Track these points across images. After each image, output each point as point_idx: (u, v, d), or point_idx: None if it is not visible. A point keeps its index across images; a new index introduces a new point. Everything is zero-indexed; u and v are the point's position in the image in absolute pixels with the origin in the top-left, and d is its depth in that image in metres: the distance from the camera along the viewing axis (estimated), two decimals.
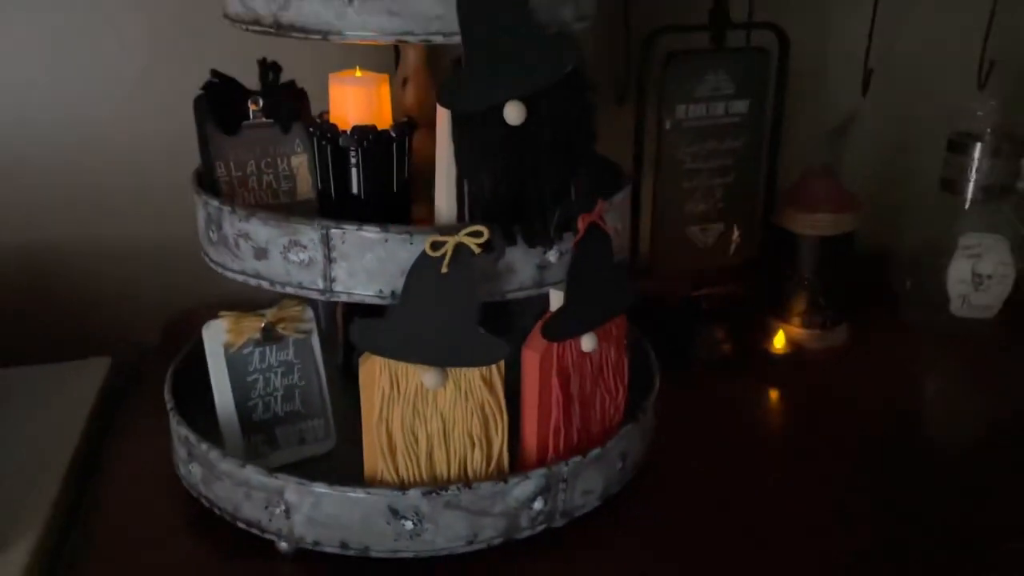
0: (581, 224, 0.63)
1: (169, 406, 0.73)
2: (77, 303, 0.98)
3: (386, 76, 0.68)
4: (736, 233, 1.01)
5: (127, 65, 0.93)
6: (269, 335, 0.73)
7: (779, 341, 0.98)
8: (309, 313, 0.75)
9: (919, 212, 1.07)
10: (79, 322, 0.98)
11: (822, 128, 1.00)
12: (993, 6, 1.07)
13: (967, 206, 1.01)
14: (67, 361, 0.93)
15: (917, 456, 0.81)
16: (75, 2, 0.89)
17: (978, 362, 0.98)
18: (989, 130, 0.99)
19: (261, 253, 0.64)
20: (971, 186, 1.00)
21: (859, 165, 1.10)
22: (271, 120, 0.72)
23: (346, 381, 0.80)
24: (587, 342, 0.67)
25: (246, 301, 0.76)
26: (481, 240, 0.59)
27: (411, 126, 0.66)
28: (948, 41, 1.12)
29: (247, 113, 0.71)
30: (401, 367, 0.62)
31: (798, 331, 0.99)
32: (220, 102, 0.71)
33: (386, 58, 0.86)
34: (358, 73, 0.66)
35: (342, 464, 0.70)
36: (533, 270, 0.64)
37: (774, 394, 0.93)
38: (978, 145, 0.99)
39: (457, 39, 0.59)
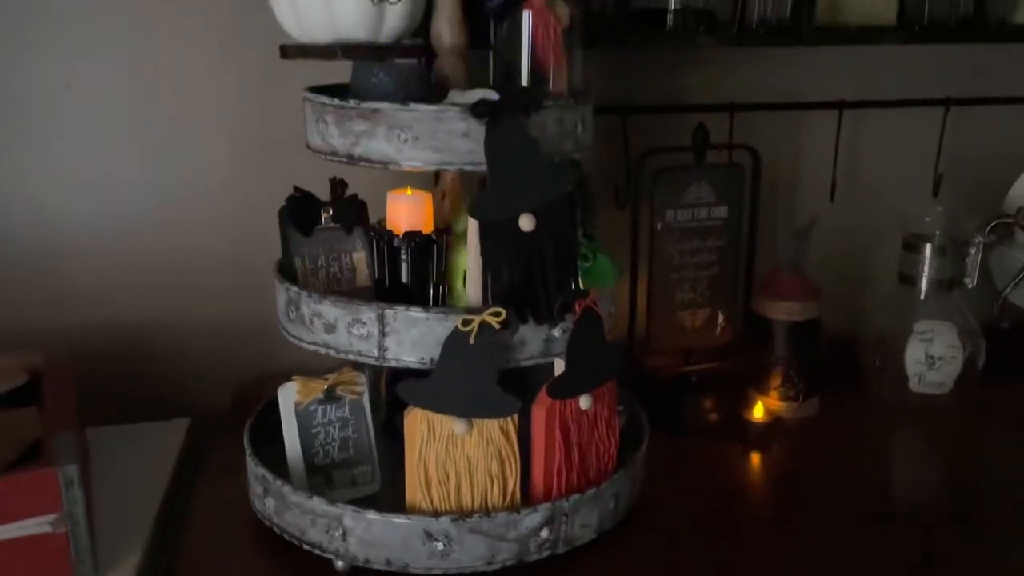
0: (578, 308, 0.81)
1: (248, 452, 0.90)
2: (161, 371, 1.17)
3: (429, 194, 0.87)
4: (720, 318, 1.19)
5: (212, 172, 1.13)
6: (330, 395, 0.91)
7: (758, 411, 1.13)
8: (362, 378, 0.92)
9: (882, 301, 1.24)
10: (163, 388, 1.16)
11: (793, 229, 1.18)
12: (942, 127, 1.26)
13: (922, 297, 1.17)
14: (152, 422, 1.10)
15: (879, 516, 0.93)
16: (174, 119, 1.10)
17: (933, 432, 1.13)
18: (938, 232, 1.16)
19: (330, 328, 0.83)
20: (924, 280, 1.16)
21: (829, 260, 1.27)
22: (338, 224, 0.91)
23: (387, 435, 0.97)
24: (584, 401, 0.84)
25: (295, 370, 0.93)
26: (500, 319, 0.77)
27: (447, 232, 0.86)
28: (905, 154, 1.30)
29: (320, 219, 0.91)
30: (437, 417, 0.80)
31: (775, 403, 1.14)
32: (300, 210, 0.90)
33: (427, 179, 1.06)
34: (409, 192, 0.86)
35: (385, 502, 0.86)
36: (541, 343, 0.82)
37: (755, 457, 1.08)
38: (928, 246, 1.15)
39: (483, 167, 0.79)
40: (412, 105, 0.77)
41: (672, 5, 1.08)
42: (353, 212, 0.91)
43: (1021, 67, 1.29)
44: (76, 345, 1.11)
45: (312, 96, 0.83)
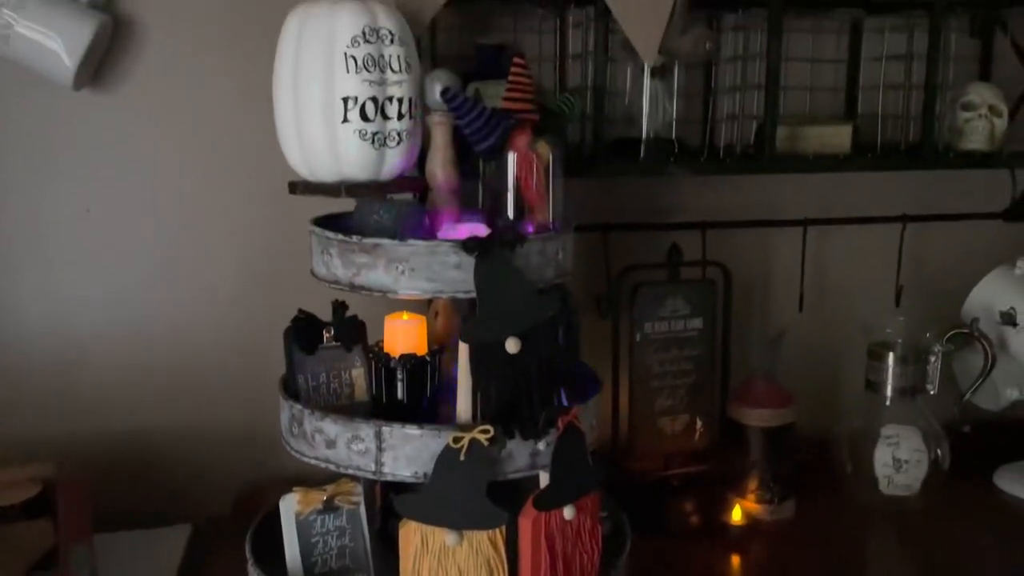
0: (561, 424, 0.88)
1: (250, 560, 0.95)
2: (167, 478, 1.22)
3: (424, 318, 0.95)
4: (699, 423, 1.25)
5: (221, 290, 1.21)
6: (329, 506, 0.96)
7: (736, 514, 1.19)
8: (359, 488, 0.98)
9: (851, 406, 1.30)
10: (168, 494, 1.21)
11: (765, 339, 1.26)
12: (901, 241, 1.36)
13: (887, 402, 1.24)
14: (156, 528, 1.15)
15: None
16: (186, 241, 1.19)
17: (904, 534, 1.18)
18: (900, 341, 1.24)
19: (331, 444, 0.89)
20: (889, 387, 1.24)
21: (801, 367, 1.34)
22: (339, 343, 0.98)
23: (382, 542, 1.02)
24: (568, 512, 0.89)
25: (295, 478, 0.98)
26: (489, 435, 0.84)
27: (440, 352, 0.93)
28: (867, 267, 1.39)
29: (322, 338, 0.98)
30: (430, 529, 0.85)
31: (752, 506, 1.20)
32: (303, 330, 0.98)
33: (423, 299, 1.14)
34: (405, 317, 0.94)
35: None
36: (527, 457, 0.88)
37: (734, 559, 1.13)
38: (891, 355, 1.23)
39: (473, 294, 0.86)
40: (409, 241, 0.86)
41: (645, 136, 1.19)
42: (353, 332, 0.99)
43: (970, 185, 1.39)
44: (86, 453, 1.16)
45: (318, 230, 0.92)
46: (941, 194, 1.40)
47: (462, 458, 0.83)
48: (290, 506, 0.95)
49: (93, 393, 1.19)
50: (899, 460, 1.21)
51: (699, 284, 1.25)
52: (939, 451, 1.22)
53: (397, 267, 0.86)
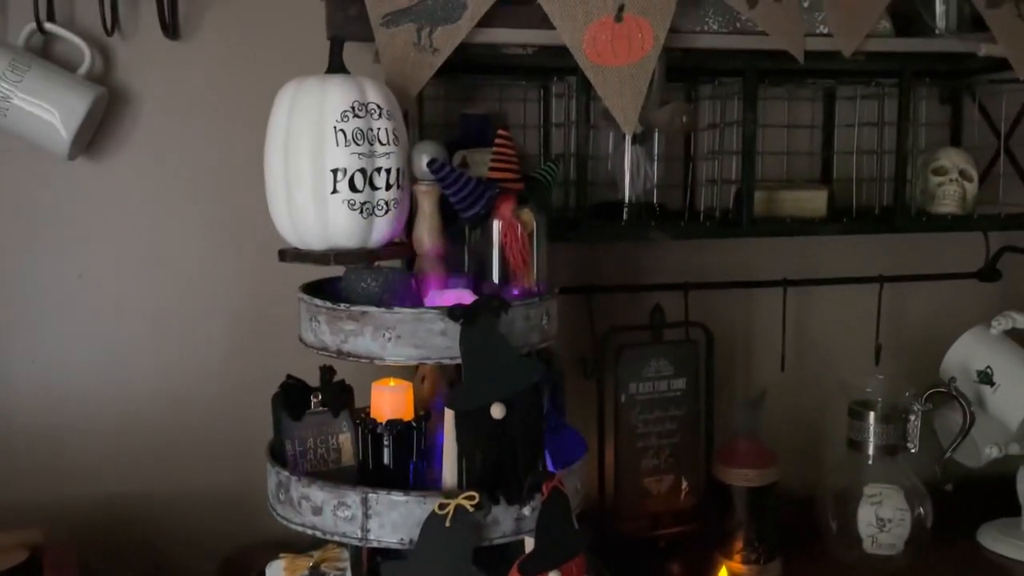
0: (546, 488, 0.89)
1: None
2: (154, 542, 1.21)
3: (410, 384, 0.96)
4: (684, 483, 1.26)
5: (209, 355, 1.22)
6: (315, 572, 0.96)
7: (723, 574, 1.19)
8: (345, 554, 0.98)
9: (834, 465, 1.32)
10: (155, 558, 1.20)
11: (746, 399, 1.28)
12: (879, 301, 1.39)
13: (869, 461, 1.25)
14: None
15: None
16: (176, 307, 1.20)
17: None
18: (880, 401, 1.26)
19: (317, 510, 0.89)
20: (870, 445, 1.25)
21: (784, 426, 1.36)
22: (326, 408, 1.00)
23: None
24: None
25: (282, 541, 0.99)
26: (474, 502, 0.85)
27: (427, 417, 0.94)
28: (847, 327, 1.42)
29: (309, 403, 0.99)
30: None
31: (739, 566, 1.20)
32: (291, 396, 0.99)
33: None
34: (391, 383, 0.95)
35: None
36: (512, 522, 0.89)
37: None
38: (871, 414, 1.25)
39: (459, 360, 0.88)
40: (396, 309, 0.88)
41: (627, 200, 1.22)
42: (340, 397, 1.00)
43: (944, 246, 1.43)
44: (73, 518, 1.16)
45: (307, 298, 0.93)
46: (917, 255, 1.43)
47: (448, 524, 0.84)
48: (276, 573, 0.95)
49: (81, 458, 1.19)
50: (882, 519, 1.22)
51: (682, 345, 1.27)
52: (922, 509, 1.23)
53: (384, 334, 0.88)
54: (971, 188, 1.29)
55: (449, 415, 0.88)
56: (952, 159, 1.30)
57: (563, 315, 1.05)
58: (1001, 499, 1.35)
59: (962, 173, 1.29)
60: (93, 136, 1.15)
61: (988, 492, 1.36)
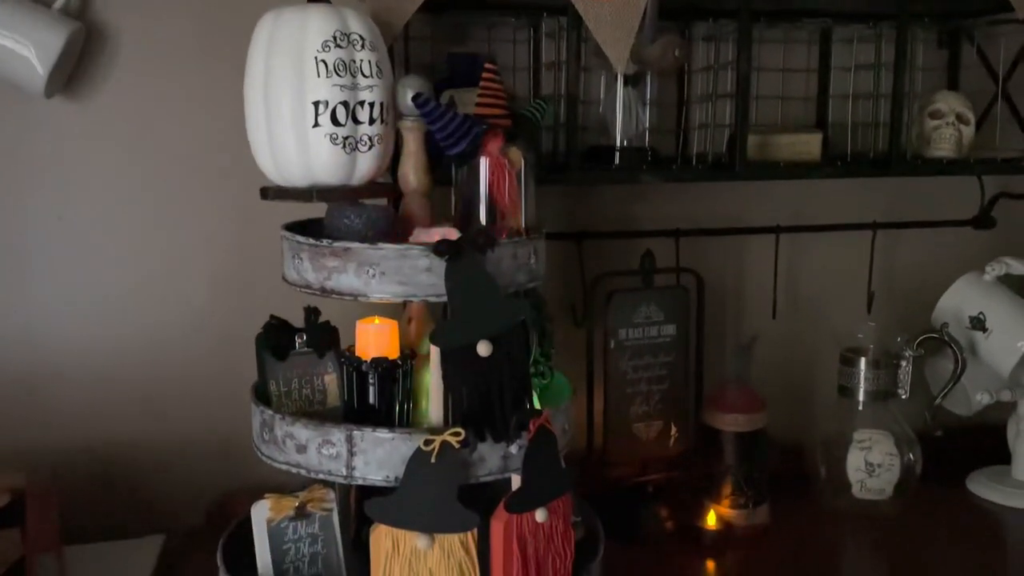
0: (533, 426, 0.88)
1: (221, 568, 0.94)
2: (138, 489, 1.21)
3: (395, 322, 0.95)
4: (673, 429, 1.26)
5: (193, 300, 1.21)
6: (301, 512, 0.95)
7: (711, 519, 1.19)
8: (331, 495, 0.97)
9: (824, 411, 1.31)
10: (139, 505, 1.20)
11: (738, 344, 1.27)
12: (871, 248, 1.37)
13: (860, 407, 1.25)
14: (127, 539, 1.14)
15: None
16: (158, 249, 1.18)
17: (876, 537, 1.19)
18: (871, 347, 1.25)
19: (301, 449, 0.88)
20: (861, 392, 1.25)
21: (774, 374, 1.35)
22: (311, 349, 0.98)
23: (356, 550, 1.01)
24: (540, 514, 0.89)
25: (268, 486, 0.97)
26: (460, 438, 0.84)
27: (412, 356, 0.93)
28: (839, 274, 1.41)
29: (294, 344, 0.98)
30: (401, 533, 0.85)
31: (727, 511, 1.20)
32: (275, 336, 0.97)
33: (396, 303, 1.14)
34: (376, 321, 0.93)
35: None
36: (499, 460, 0.88)
37: (708, 564, 1.13)
38: (862, 360, 1.24)
39: (445, 298, 0.87)
40: (380, 244, 0.86)
41: (619, 144, 1.20)
42: (325, 337, 0.98)
43: (938, 192, 1.42)
44: (57, 464, 1.15)
45: (288, 235, 0.92)
46: (911, 202, 1.42)
47: (433, 461, 0.83)
48: (261, 513, 0.94)
49: (64, 403, 1.18)
50: (871, 464, 1.22)
51: (672, 291, 1.26)
52: (911, 455, 1.23)
53: (368, 271, 0.86)
54: (967, 132, 1.27)
55: (435, 352, 0.87)
56: (949, 102, 1.28)
57: (552, 261, 1.03)
58: (991, 447, 1.35)
59: (959, 117, 1.27)
60: (71, 74, 1.13)
61: (977, 440, 1.36)
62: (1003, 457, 1.33)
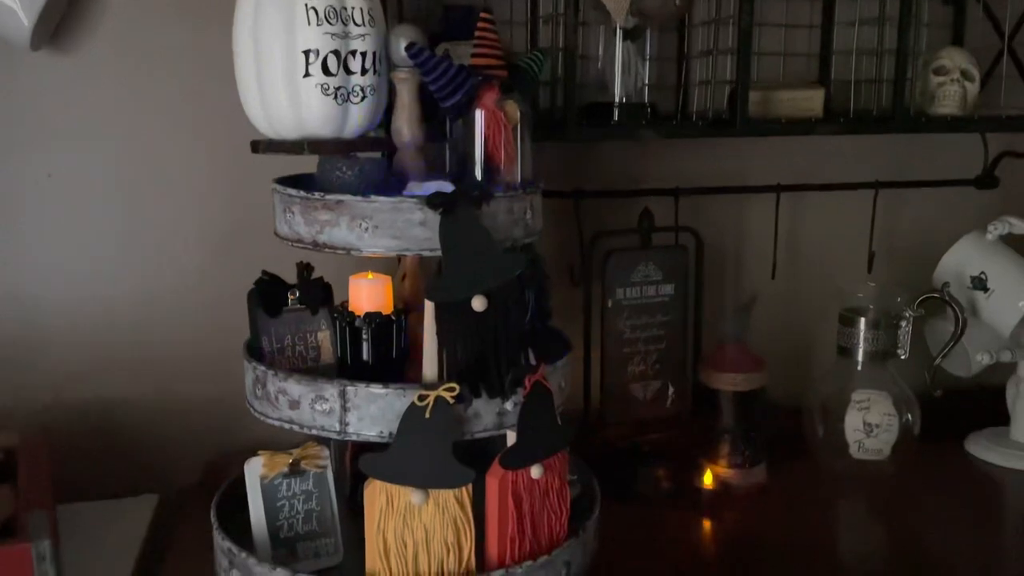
0: (528, 383, 0.87)
1: (214, 525, 0.93)
2: (132, 448, 1.20)
3: (389, 278, 0.94)
4: (671, 389, 1.25)
5: (185, 257, 1.19)
6: (295, 469, 0.95)
7: (708, 479, 1.18)
8: (326, 452, 0.97)
9: (823, 372, 1.30)
10: (133, 464, 1.19)
11: (736, 304, 1.26)
12: (873, 208, 1.36)
13: (859, 368, 1.24)
14: (122, 498, 1.13)
15: (821, 569, 0.99)
16: (150, 206, 1.17)
17: (873, 497, 1.18)
18: (871, 307, 1.24)
19: (295, 404, 0.87)
20: (860, 352, 1.24)
21: (773, 334, 1.34)
22: (304, 306, 0.97)
23: (352, 509, 1.01)
24: (535, 471, 0.88)
25: (263, 446, 0.97)
26: (454, 394, 0.83)
27: (406, 312, 0.92)
28: (840, 234, 1.39)
29: (287, 300, 0.97)
30: (395, 488, 0.84)
31: (723, 470, 1.20)
32: (267, 293, 0.96)
33: (389, 259, 1.12)
34: (370, 276, 0.92)
35: (347, 574, 0.90)
36: (494, 416, 0.87)
37: (705, 522, 1.13)
38: (862, 320, 1.23)
39: (439, 252, 0.85)
40: (372, 197, 0.84)
41: (618, 100, 1.17)
42: (319, 294, 0.97)
43: (941, 152, 1.40)
44: (50, 423, 1.14)
45: (280, 188, 0.90)
46: (914, 161, 1.40)
47: (427, 416, 0.82)
48: (255, 469, 0.93)
49: (55, 362, 1.17)
50: (870, 424, 1.21)
51: (671, 250, 1.24)
52: (910, 416, 1.22)
53: (361, 224, 0.85)
54: (972, 89, 1.25)
55: (429, 307, 0.86)
56: (954, 59, 1.25)
57: (550, 221, 1.01)
58: (991, 408, 1.35)
59: (964, 73, 1.25)
60: (58, 26, 1.10)
61: (978, 401, 1.35)
62: (1002, 419, 1.33)
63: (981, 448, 1.30)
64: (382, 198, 0.84)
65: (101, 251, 1.17)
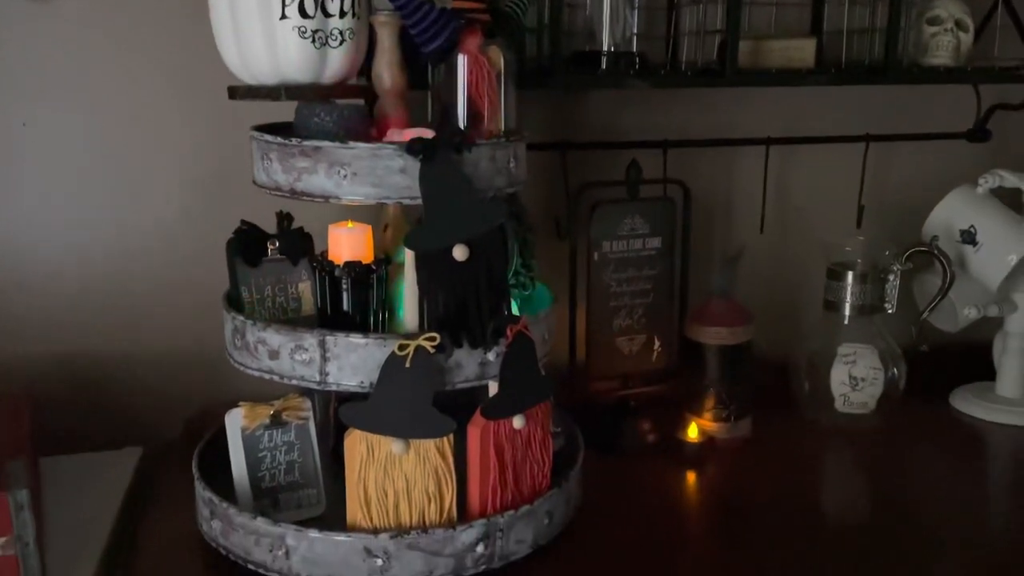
0: (510, 332, 0.86)
1: (196, 476, 0.93)
2: (115, 401, 1.19)
3: (369, 227, 0.92)
4: (657, 343, 1.24)
5: (164, 208, 1.17)
6: (276, 420, 0.94)
7: (693, 432, 1.18)
8: (308, 403, 0.96)
9: (810, 327, 1.30)
10: (116, 418, 1.18)
11: (724, 257, 1.24)
12: (863, 161, 1.34)
13: (845, 322, 1.23)
14: (105, 451, 1.13)
15: (808, 529, 0.99)
16: (128, 154, 1.14)
17: (858, 451, 1.19)
18: (859, 261, 1.23)
19: (274, 354, 0.86)
20: (847, 306, 1.23)
21: (761, 289, 1.33)
22: (284, 256, 0.96)
23: (336, 462, 1.00)
24: (517, 421, 0.88)
25: (246, 399, 0.96)
26: (435, 343, 0.82)
27: (387, 261, 0.90)
28: (829, 187, 1.38)
29: (266, 250, 0.95)
30: (375, 438, 0.84)
31: (708, 424, 1.19)
32: (246, 242, 0.95)
33: (370, 207, 1.10)
34: (350, 225, 0.91)
35: (330, 524, 0.89)
36: (475, 366, 0.87)
37: (688, 476, 1.13)
38: (849, 274, 1.22)
39: (419, 201, 0.84)
40: (351, 143, 0.82)
41: (605, 48, 1.15)
42: (299, 244, 0.96)
43: (933, 104, 1.38)
44: (31, 376, 1.13)
45: (257, 135, 0.88)
46: (905, 114, 1.38)
47: (408, 366, 0.81)
48: (236, 420, 0.93)
49: (37, 314, 1.15)
50: (855, 378, 1.21)
51: (659, 202, 1.23)
52: (895, 370, 1.22)
53: (339, 171, 0.83)
54: (966, 39, 1.23)
55: (410, 256, 0.85)
56: (948, 8, 1.23)
57: (535, 172, 1.00)
58: (976, 364, 1.35)
59: (958, 23, 1.23)
60: None
61: (963, 357, 1.35)
62: (986, 375, 1.33)
63: (966, 403, 1.30)
64: (361, 144, 0.82)
65: (78, 201, 1.15)
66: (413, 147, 0.81)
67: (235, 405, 0.95)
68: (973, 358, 1.35)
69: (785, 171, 1.36)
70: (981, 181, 1.25)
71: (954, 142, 1.38)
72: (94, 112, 1.13)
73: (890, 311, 1.23)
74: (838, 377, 1.21)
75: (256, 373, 0.89)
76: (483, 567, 0.86)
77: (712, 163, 1.33)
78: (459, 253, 0.84)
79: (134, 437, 1.15)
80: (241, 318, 0.89)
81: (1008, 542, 0.97)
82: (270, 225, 0.98)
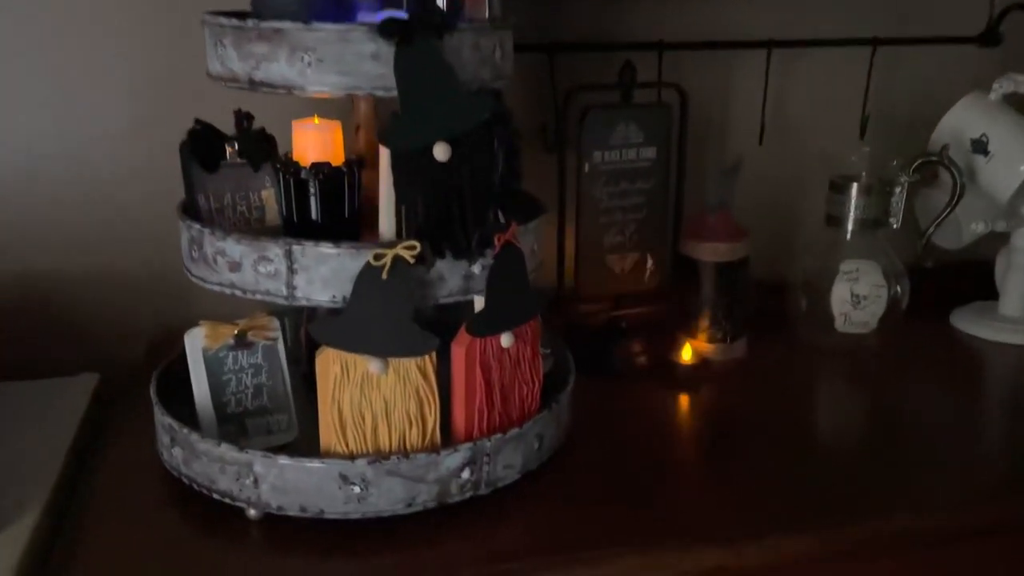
0: (497, 242, 0.78)
1: (154, 400, 0.85)
2: (70, 325, 1.11)
3: (339, 123, 0.83)
4: (649, 261, 1.17)
5: (115, 113, 1.07)
6: (241, 341, 0.86)
7: (686, 353, 1.12)
8: (275, 323, 0.88)
9: (809, 244, 1.23)
10: (72, 342, 1.10)
11: (720, 168, 1.17)
12: (869, 67, 1.26)
13: (848, 237, 1.17)
14: (59, 377, 1.05)
15: (805, 450, 0.94)
16: (71, 57, 1.03)
17: (858, 371, 1.13)
18: (863, 173, 1.16)
19: (235, 267, 0.78)
20: (850, 220, 1.16)
21: (757, 203, 1.26)
22: (244, 160, 0.86)
23: (309, 387, 0.93)
24: (505, 339, 0.81)
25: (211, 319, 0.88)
26: (415, 253, 0.74)
27: (359, 163, 0.81)
28: (833, 96, 1.29)
29: (225, 154, 0.86)
30: (350, 357, 0.76)
31: (703, 345, 1.13)
32: (202, 145, 0.85)
33: (340, 107, 1.00)
34: (316, 120, 0.81)
35: (302, 452, 0.82)
36: (460, 280, 0.79)
37: (683, 398, 1.07)
38: (854, 186, 1.15)
39: (395, 92, 0.74)
40: (315, 24, 0.73)
41: None
42: (261, 147, 0.87)
43: (945, 8, 1.29)
44: None
45: (210, 18, 0.78)
46: (915, 17, 1.29)
47: (384, 278, 0.73)
48: (196, 340, 0.85)
49: None
50: (857, 296, 1.15)
51: (654, 108, 1.14)
52: (899, 288, 1.16)
53: (302, 58, 0.73)
54: None
55: (385, 155, 0.76)
56: None
57: (520, 78, 0.90)
58: (978, 283, 1.29)
59: None
60: None
61: (966, 277, 1.30)
62: (988, 294, 1.28)
63: (968, 322, 1.25)
64: (327, 25, 0.72)
65: (21, 107, 1.04)
66: (387, 28, 0.72)
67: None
68: (976, 277, 1.30)
69: (787, 76, 1.27)
70: (995, 86, 1.17)
71: (964, 47, 1.30)
72: (34, 9, 1.01)
73: (895, 226, 1.16)
74: (839, 295, 1.15)
75: (216, 288, 0.80)
76: (469, 494, 0.80)
77: (710, 68, 1.24)
78: (440, 152, 0.75)
79: (93, 363, 1.07)
80: (198, 226, 0.80)
81: (1008, 463, 0.93)
82: (229, 127, 0.88)
